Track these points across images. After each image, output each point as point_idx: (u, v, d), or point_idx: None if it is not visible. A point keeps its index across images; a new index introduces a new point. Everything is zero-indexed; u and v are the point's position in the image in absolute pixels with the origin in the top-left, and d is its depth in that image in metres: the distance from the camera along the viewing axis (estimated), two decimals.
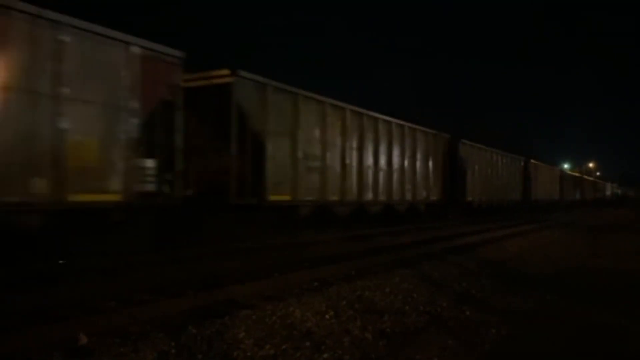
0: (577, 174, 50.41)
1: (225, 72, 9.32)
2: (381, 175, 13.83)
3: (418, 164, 15.83)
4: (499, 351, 4.12)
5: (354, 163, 12.61)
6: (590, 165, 77.14)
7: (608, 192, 77.35)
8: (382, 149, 13.88)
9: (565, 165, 51.95)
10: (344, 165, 12.16)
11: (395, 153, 14.48)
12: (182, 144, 7.94)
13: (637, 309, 5.52)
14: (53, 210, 6.45)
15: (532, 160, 29.20)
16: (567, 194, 39.18)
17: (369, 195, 13.34)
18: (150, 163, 7.51)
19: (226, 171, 8.94)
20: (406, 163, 15.13)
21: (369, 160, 13.32)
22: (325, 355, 3.77)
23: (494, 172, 22.58)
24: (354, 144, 12.64)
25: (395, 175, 14.49)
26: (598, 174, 78.78)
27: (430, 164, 16.79)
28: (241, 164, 9.19)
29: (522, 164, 27.08)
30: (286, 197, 10.24)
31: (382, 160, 13.89)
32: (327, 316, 4.71)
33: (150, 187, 7.48)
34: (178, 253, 7.85)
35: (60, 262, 6.79)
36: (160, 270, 6.70)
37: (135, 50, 7.36)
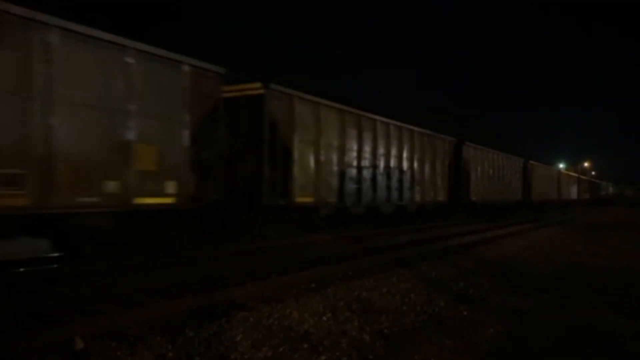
0: (588, 178, 60.94)
1: (453, 139, 18.85)
2: (502, 183, 24.55)
3: (512, 178, 26.10)
4: (497, 351, 4.11)
5: (486, 180, 22.25)
6: (586, 164, 77.30)
7: (610, 191, 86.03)
8: (502, 173, 24.55)
9: (561, 165, 53.78)
10: (490, 179, 22.69)
11: (504, 173, 24.82)
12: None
13: (636, 308, 5.53)
14: (397, 206, 14.49)
15: (563, 171, 41.92)
16: (581, 195, 50.42)
17: (499, 197, 23.93)
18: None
19: (448, 187, 18.19)
20: (511, 177, 25.86)
21: (506, 178, 24.98)
22: (323, 357, 3.76)
23: (545, 180, 33.64)
24: (493, 170, 23.11)
25: (505, 184, 25.06)
26: (593, 173, 79.01)
27: (518, 176, 27.06)
28: (458, 184, 18.80)
29: (557, 174, 38.62)
30: (478, 197, 20.83)
31: (498, 177, 23.93)
32: (324, 317, 4.70)
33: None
34: (176, 255, 7.84)
35: (55, 266, 6.80)
36: (158, 272, 6.69)
37: (449, 140, 18.61)
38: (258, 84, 9.69)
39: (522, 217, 21.69)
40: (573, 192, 45.04)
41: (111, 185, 6.85)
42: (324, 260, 7.82)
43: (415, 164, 15.63)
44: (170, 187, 7.71)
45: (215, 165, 8.45)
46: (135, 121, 7.22)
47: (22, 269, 6.50)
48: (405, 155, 14.95)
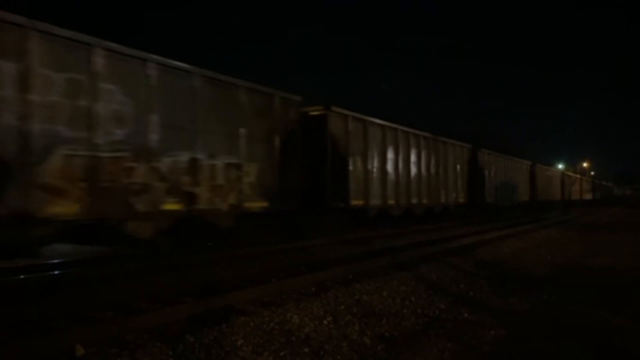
0: (597, 181, 73.53)
1: (530, 162, 31.25)
2: (552, 189, 37.58)
3: (557, 185, 38.61)
4: (498, 352, 4.12)
5: (545, 187, 34.89)
6: (585, 164, 77.52)
7: (615, 192, 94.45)
8: (553, 182, 37.70)
9: (560, 165, 55.39)
10: (547, 186, 35.62)
11: (553, 182, 37.21)
12: None
13: (635, 308, 5.53)
14: (511, 203, 25.97)
15: (584, 178, 56.06)
16: (595, 195, 62.84)
17: (552, 197, 36.48)
18: None
19: (529, 192, 30.65)
20: (556, 184, 38.29)
21: (554, 185, 38.62)
22: None
23: (573, 185, 45.53)
24: (549, 181, 36.51)
25: (554, 189, 37.60)
26: (592, 173, 79.21)
27: (559, 184, 39.29)
28: (533, 191, 30.90)
29: (580, 180, 50.62)
30: (542, 198, 33.22)
31: (551, 185, 36.64)
32: (325, 321, 4.70)
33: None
34: (176, 259, 7.83)
35: (57, 272, 6.80)
36: (157, 278, 6.68)
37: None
38: (529, 161, 28.18)
39: (523, 218, 21.80)
40: (589, 194, 58.79)
41: (442, 195, 17.51)
42: (324, 264, 7.82)
43: (517, 179, 27.09)
44: (462, 195, 19.36)
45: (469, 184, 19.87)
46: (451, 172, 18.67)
47: (22, 276, 6.51)
48: (512, 175, 26.31)
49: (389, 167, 14.18)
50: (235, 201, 9.07)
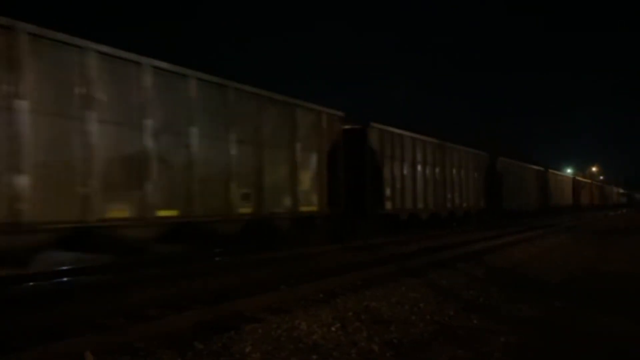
0: (627, 192, 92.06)
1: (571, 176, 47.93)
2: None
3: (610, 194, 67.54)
4: None
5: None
6: (594, 169, 77.23)
7: (637, 197, 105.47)
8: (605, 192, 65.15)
9: (569, 170, 55.97)
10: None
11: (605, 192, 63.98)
12: None
13: None
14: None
15: (610, 185, 71.54)
16: (621, 200, 76.75)
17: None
18: None
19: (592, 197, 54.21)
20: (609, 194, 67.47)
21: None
22: None
23: (614, 195, 69.39)
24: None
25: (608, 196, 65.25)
26: (602, 177, 78.60)
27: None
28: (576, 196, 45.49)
29: (613, 190, 61.64)
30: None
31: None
32: (333, 328, 4.69)
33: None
34: (186, 268, 7.87)
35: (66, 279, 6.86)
36: (167, 285, 6.71)
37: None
38: (571, 176, 44.87)
39: (534, 224, 21.69)
40: (619, 199, 73.61)
41: (531, 201, 30.24)
42: (332, 271, 7.81)
43: (565, 190, 35.72)
44: (538, 201, 31.35)
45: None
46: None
47: (31, 283, 6.57)
48: (564, 187, 34.27)
49: (526, 185, 27.76)
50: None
